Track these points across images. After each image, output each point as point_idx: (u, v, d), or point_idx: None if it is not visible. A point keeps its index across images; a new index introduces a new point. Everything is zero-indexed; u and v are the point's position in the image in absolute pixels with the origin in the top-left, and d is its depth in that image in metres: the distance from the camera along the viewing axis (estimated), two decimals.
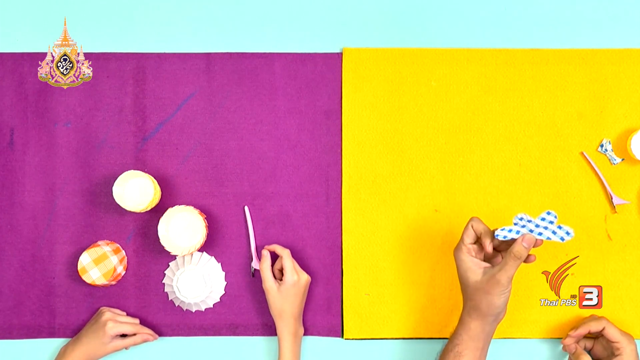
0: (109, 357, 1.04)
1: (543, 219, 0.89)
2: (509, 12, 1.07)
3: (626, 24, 1.07)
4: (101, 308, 1.03)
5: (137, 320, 1.03)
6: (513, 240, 0.88)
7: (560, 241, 0.87)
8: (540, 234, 0.88)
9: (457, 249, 0.91)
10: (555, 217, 0.89)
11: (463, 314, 0.93)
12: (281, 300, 1.00)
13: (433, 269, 1.05)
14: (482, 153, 1.06)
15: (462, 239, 0.91)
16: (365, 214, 1.06)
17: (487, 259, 0.91)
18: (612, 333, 0.98)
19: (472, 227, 0.90)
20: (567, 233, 0.87)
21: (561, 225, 0.88)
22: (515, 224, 0.89)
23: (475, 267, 0.89)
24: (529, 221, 0.89)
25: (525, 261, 0.88)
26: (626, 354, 0.96)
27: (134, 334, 1.02)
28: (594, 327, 0.99)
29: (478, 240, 0.91)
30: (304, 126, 1.06)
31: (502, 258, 0.89)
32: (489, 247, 0.89)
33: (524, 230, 0.88)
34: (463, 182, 1.05)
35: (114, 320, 1.00)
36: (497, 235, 0.88)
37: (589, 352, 1.01)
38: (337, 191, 1.06)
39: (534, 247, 0.87)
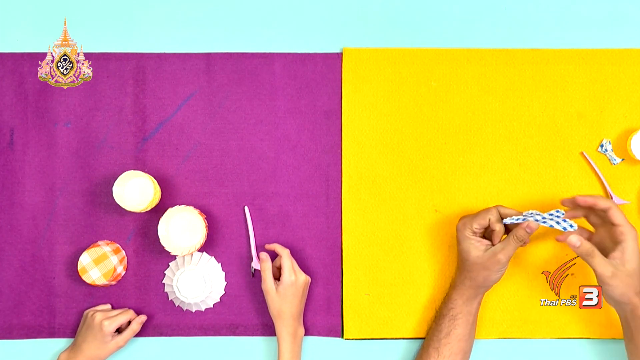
0: (111, 358, 1.04)
1: (551, 214, 0.95)
2: (509, 12, 1.07)
3: (626, 24, 1.07)
4: (87, 312, 1.03)
5: (125, 309, 1.04)
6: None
7: (563, 230, 0.92)
8: (544, 222, 0.93)
9: (463, 226, 0.97)
10: (563, 214, 0.94)
11: (457, 282, 0.99)
12: (279, 301, 1.00)
13: (433, 269, 1.05)
14: (482, 153, 1.06)
15: (473, 222, 0.96)
16: (365, 214, 1.06)
17: (486, 236, 0.99)
18: (617, 215, 0.93)
19: (489, 220, 0.96)
20: (571, 225, 0.92)
21: (566, 219, 0.94)
22: (524, 215, 0.96)
23: (478, 244, 0.96)
24: (538, 214, 0.95)
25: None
26: (630, 239, 0.92)
27: (129, 323, 1.02)
28: (601, 204, 0.94)
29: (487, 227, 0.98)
30: (304, 126, 1.06)
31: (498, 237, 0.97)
32: (497, 241, 0.96)
33: (529, 217, 0.94)
34: (463, 182, 1.05)
35: (108, 318, 1.00)
36: (505, 221, 0.96)
37: None
38: (337, 191, 1.06)
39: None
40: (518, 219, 0.94)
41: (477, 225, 0.96)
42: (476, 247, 0.96)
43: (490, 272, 0.95)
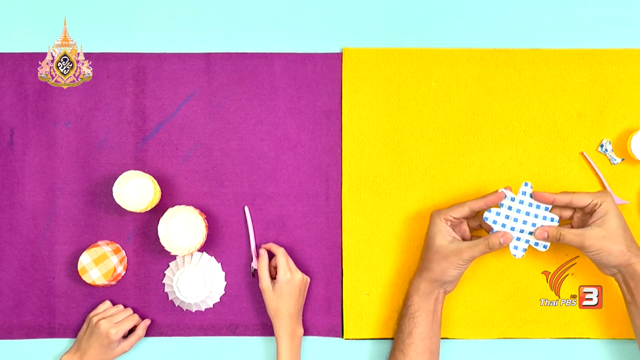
0: None
1: (538, 206, 0.96)
2: (509, 12, 1.07)
3: (626, 24, 1.07)
4: (91, 318, 1.02)
5: (129, 311, 1.04)
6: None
7: (535, 245, 0.97)
8: (519, 236, 0.96)
9: (437, 213, 0.97)
10: (547, 208, 0.96)
11: (415, 275, 0.99)
12: (276, 300, 1.00)
13: None
14: (482, 153, 1.06)
15: (450, 210, 0.96)
16: (365, 214, 1.06)
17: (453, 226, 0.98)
18: (580, 199, 0.93)
19: (469, 208, 0.95)
20: (552, 219, 0.96)
21: (548, 214, 0.96)
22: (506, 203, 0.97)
23: (445, 233, 0.95)
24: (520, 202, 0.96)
25: None
26: (606, 204, 0.93)
27: (134, 327, 1.03)
28: (560, 200, 0.94)
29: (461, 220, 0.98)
30: (304, 126, 1.06)
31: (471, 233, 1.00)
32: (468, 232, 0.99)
33: (506, 210, 0.96)
34: (463, 182, 1.05)
35: (115, 326, 0.99)
36: (486, 218, 0.96)
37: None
38: (337, 191, 1.06)
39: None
40: (495, 220, 0.96)
41: (456, 215, 0.95)
42: (443, 235, 0.95)
43: (449, 266, 0.94)
